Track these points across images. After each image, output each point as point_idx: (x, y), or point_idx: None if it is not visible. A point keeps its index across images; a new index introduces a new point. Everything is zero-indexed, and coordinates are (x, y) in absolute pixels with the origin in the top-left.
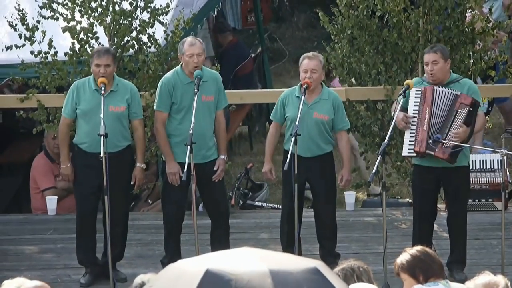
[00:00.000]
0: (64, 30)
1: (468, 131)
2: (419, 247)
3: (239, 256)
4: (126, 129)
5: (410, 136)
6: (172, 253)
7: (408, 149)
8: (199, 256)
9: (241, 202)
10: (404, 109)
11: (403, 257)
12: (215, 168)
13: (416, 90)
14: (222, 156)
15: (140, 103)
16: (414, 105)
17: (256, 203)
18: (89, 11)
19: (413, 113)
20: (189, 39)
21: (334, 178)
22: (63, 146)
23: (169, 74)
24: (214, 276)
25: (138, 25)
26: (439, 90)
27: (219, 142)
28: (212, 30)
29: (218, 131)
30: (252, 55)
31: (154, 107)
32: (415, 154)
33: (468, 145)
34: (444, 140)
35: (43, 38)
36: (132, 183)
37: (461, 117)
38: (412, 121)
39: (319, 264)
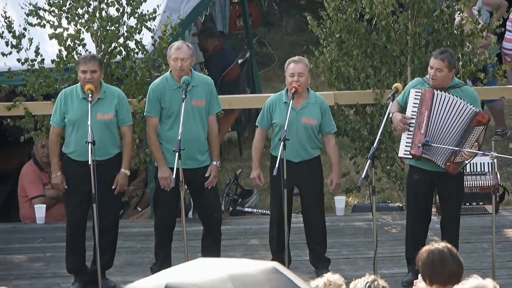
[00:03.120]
0: (51, 37)
1: (478, 150)
2: (444, 246)
3: (197, 267)
4: (116, 136)
5: (408, 138)
6: (162, 260)
7: (405, 150)
8: (156, 274)
9: (231, 208)
10: (403, 108)
11: (425, 250)
12: (206, 175)
13: (416, 92)
14: (214, 162)
15: (129, 109)
16: (413, 106)
17: (246, 209)
18: (76, 18)
19: (412, 114)
20: (177, 43)
21: (322, 182)
22: (54, 155)
23: (158, 79)
24: None
25: (125, 31)
26: (440, 95)
27: (211, 148)
28: (199, 35)
29: (211, 136)
30: (241, 60)
31: (145, 113)
32: (411, 157)
33: (458, 148)
34: (458, 151)
35: (30, 46)
36: (113, 187)
37: (475, 135)
38: (411, 123)
39: (276, 264)
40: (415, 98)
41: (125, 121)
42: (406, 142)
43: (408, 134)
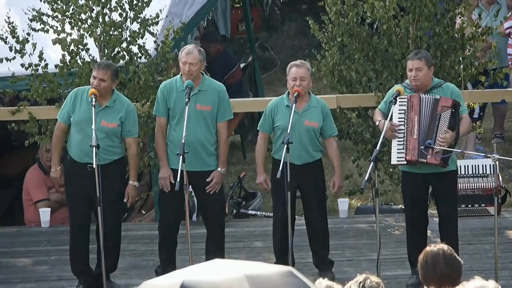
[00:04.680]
0: (54, 42)
1: (454, 135)
2: (440, 248)
3: (213, 267)
4: (116, 144)
5: (398, 145)
6: (167, 262)
7: (398, 157)
8: (172, 272)
9: (235, 211)
10: (385, 116)
11: (424, 251)
12: (208, 180)
13: (400, 98)
14: (219, 169)
15: (136, 122)
16: (399, 113)
17: (250, 212)
18: (79, 23)
19: (399, 121)
20: (188, 47)
21: (324, 184)
22: (55, 149)
23: (168, 80)
24: (191, 287)
25: (128, 36)
26: (425, 98)
27: (218, 154)
28: (201, 39)
29: (219, 143)
30: (244, 64)
31: (153, 112)
32: (405, 163)
33: (460, 150)
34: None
35: (33, 51)
36: (125, 200)
37: (445, 120)
38: (399, 130)
39: (291, 268)
40: (400, 105)
41: (131, 133)
42: (398, 149)
43: (398, 141)
